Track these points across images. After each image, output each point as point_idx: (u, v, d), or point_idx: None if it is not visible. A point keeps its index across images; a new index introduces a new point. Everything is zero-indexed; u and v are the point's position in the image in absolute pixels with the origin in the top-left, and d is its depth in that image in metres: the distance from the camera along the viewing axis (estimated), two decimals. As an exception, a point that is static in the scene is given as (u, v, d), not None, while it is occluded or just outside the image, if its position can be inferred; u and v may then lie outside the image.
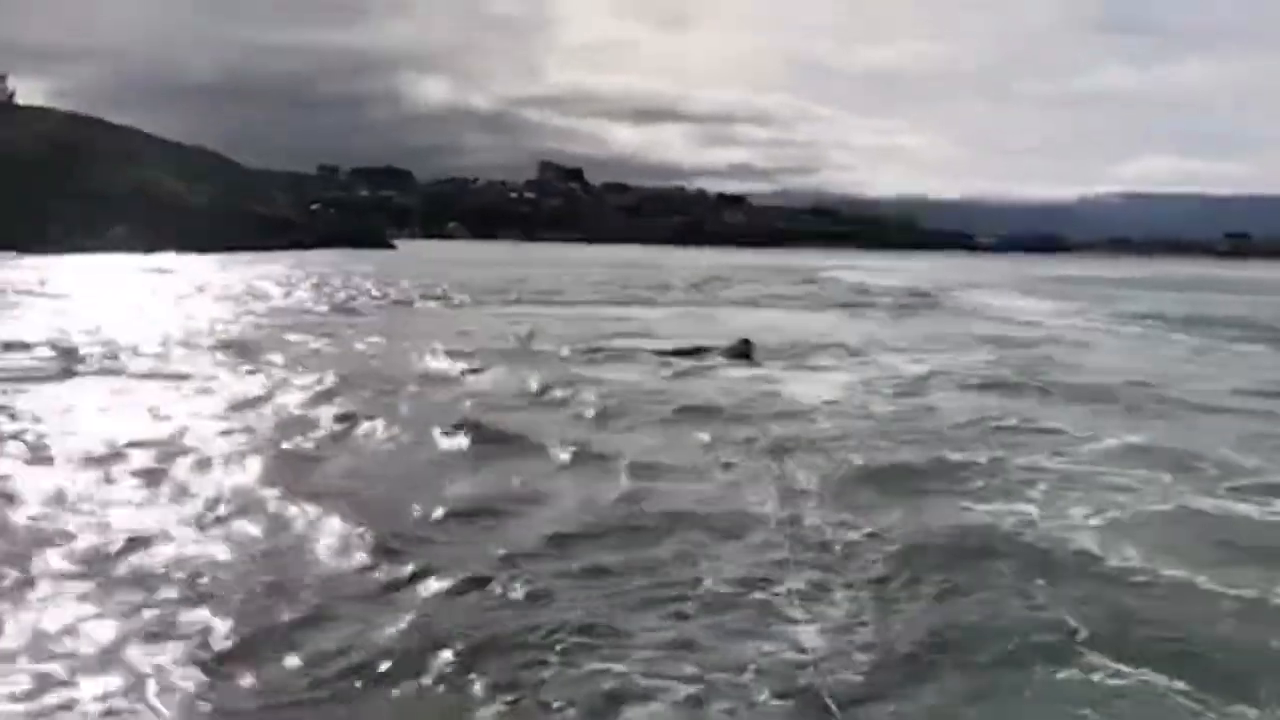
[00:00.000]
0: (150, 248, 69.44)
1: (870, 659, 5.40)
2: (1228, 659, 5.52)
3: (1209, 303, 44.81)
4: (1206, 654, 5.56)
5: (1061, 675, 5.29)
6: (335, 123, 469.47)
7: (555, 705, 4.89)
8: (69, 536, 7.08)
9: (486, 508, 8.19)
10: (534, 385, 14.54)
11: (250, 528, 7.53)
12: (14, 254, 58.86)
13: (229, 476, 8.94)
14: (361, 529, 7.36)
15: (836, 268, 77.61)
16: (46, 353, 17.09)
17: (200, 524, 7.54)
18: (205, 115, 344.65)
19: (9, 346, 17.69)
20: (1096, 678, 5.27)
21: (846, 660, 5.40)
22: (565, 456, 10.08)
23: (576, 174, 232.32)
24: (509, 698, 4.96)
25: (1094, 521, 8.04)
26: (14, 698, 4.82)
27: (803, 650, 5.52)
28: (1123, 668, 5.36)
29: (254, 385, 14.15)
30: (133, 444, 9.91)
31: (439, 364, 16.93)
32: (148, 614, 5.81)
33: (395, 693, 5.05)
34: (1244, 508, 8.68)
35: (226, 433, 10.80)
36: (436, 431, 11.00)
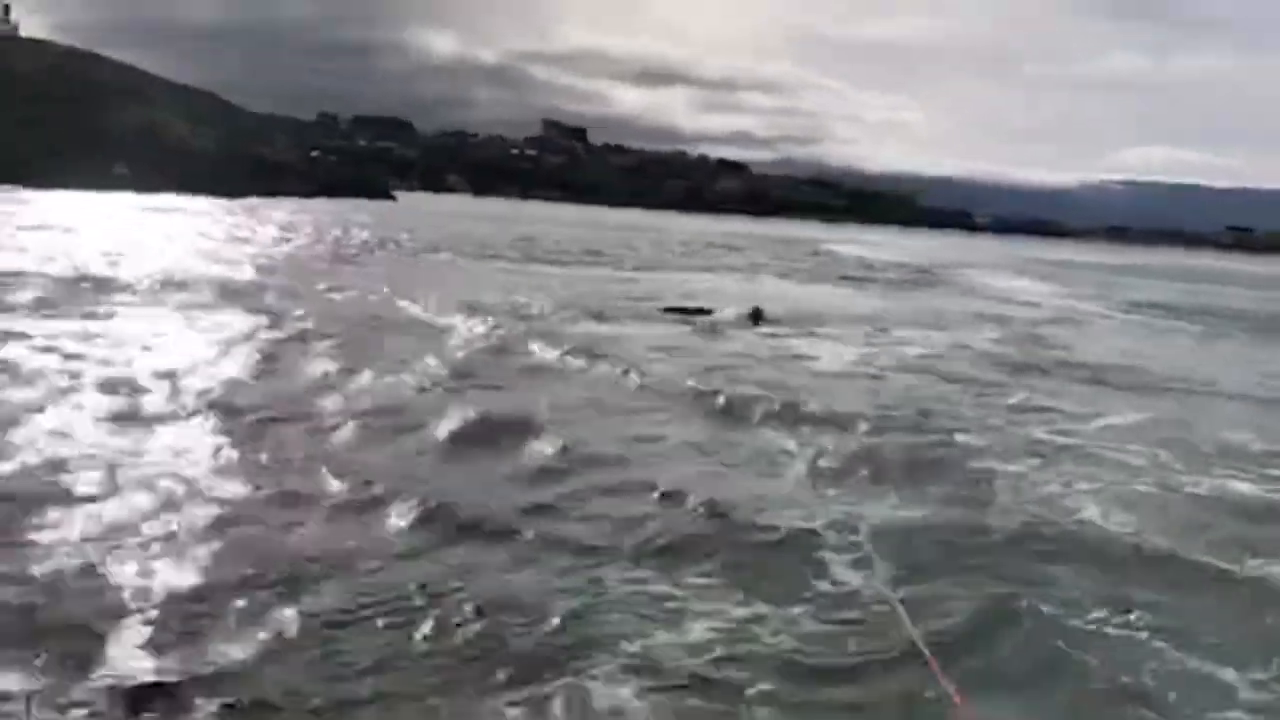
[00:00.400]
0: (153, 188, 69.38)
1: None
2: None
3: (1211, 294, 45.27)
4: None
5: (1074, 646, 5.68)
6: (339, 70, 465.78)
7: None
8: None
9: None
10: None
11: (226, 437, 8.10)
12: (18, 186, 58.86)
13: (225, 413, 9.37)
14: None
15: (836, 241, 77.90)
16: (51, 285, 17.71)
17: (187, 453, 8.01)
18: (205, 56, 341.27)
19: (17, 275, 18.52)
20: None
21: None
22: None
23: (580, 133, 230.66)
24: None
25: (1094, 492, 8.53)
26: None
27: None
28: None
29: (252, 323, 14.97)
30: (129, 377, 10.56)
31: (448, 320, 17.27)
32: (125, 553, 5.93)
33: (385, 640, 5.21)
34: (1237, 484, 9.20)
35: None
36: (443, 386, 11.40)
